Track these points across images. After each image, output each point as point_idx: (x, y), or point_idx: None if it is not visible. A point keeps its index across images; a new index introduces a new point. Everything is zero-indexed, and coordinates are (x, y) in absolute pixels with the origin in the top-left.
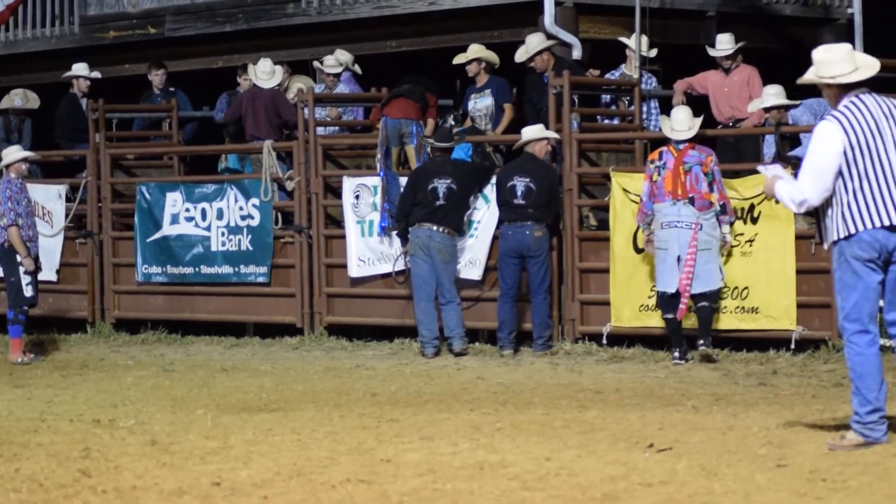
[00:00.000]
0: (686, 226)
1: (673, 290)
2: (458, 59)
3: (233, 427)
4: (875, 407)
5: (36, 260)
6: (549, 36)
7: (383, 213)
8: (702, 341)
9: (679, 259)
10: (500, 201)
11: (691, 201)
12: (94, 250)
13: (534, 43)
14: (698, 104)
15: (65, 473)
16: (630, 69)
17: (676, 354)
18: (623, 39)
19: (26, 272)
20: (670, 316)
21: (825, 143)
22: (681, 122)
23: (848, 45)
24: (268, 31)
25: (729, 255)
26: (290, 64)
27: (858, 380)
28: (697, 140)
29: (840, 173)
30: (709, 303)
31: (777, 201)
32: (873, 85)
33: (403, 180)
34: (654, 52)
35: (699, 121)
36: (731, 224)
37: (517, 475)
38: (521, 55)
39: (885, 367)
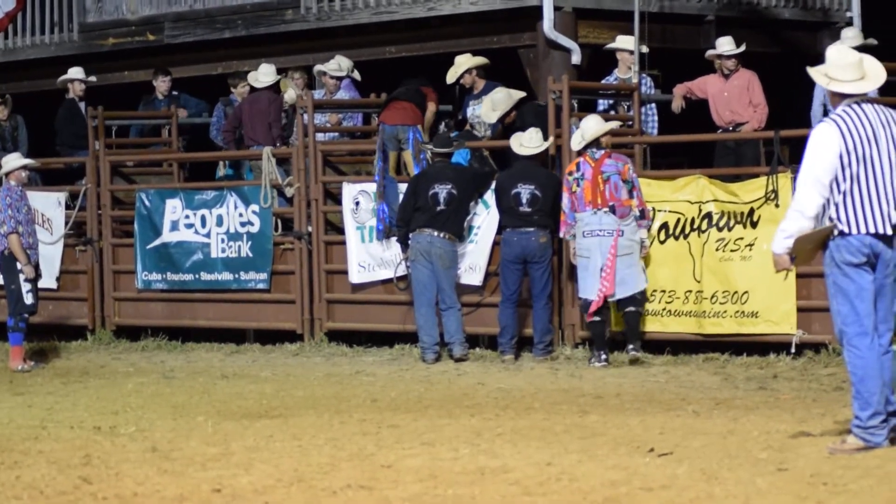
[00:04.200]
0: (608, 234)
1: (594, 298)
2: (450, 78)
3: (234, 433)
4: (876, 411)
5: (36, 267)
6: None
7: (379, 216)
8: (631, 346)
9: (602, 267)
10: (502, 208)
11: (612, 210)
12: (94, 257)
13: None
14: (698, 108)
15: (66, 481)
16: (623, 72)
17: (604, 356)
18: (611, 45)
19: (26, 280)
20: (596, 319)
21: (823, 149)
22: (580, 132)
23: (858, 54)
24: (267, 37)
25: (728, 259)
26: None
27: (859, 383)
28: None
29: (834, 177)
30: (636, 307)
31: (793, 259)
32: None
33: (402, 186)
34: (645, 49)
35: (610, 126)
36: (648, 229)
37: (518, 480)
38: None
39: None
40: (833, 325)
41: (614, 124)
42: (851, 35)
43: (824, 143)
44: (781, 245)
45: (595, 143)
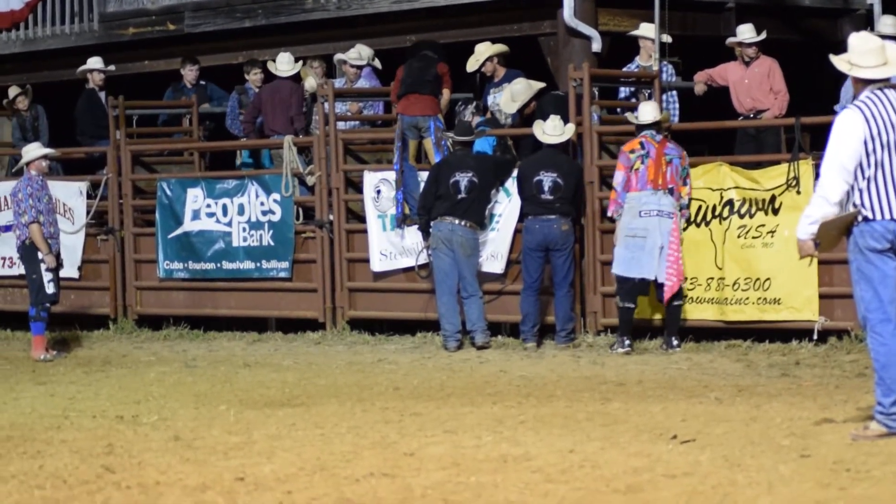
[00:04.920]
0: (667, 215)
1: (653, 277)
2: (471, 66)
3: (256, 422)
4: None
5: (57, 257)
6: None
7: (398, 203)
8: (675, 342)
9: (662, 248)
10: (524, 195)
11: (670, 192)
12: (116, 247)
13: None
14: (719, 96)
15: (88, 469)
16: (644, 60)
17: (627, 342)
18: (634, 32)
19: (48, 269)
20: (630, 306)
21: (847, 135)
22: (644, 113)
23: (880, 40)
24: (287, 26)
25: (750, 246)
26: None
27: (882, 370)
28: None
29: (859, 163)
30: (681, 301)
31: (817, 245)
32: None
33: (422, 174)
34: (668, 38)
35: (667, 114)
36: (687, 220)
37: (540, 468)
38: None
39: None
40: (856, 312)
41: (667, 113)
42: (890, 23)
43: (849, 129)
44: (806, 231)
45: (656, 126)
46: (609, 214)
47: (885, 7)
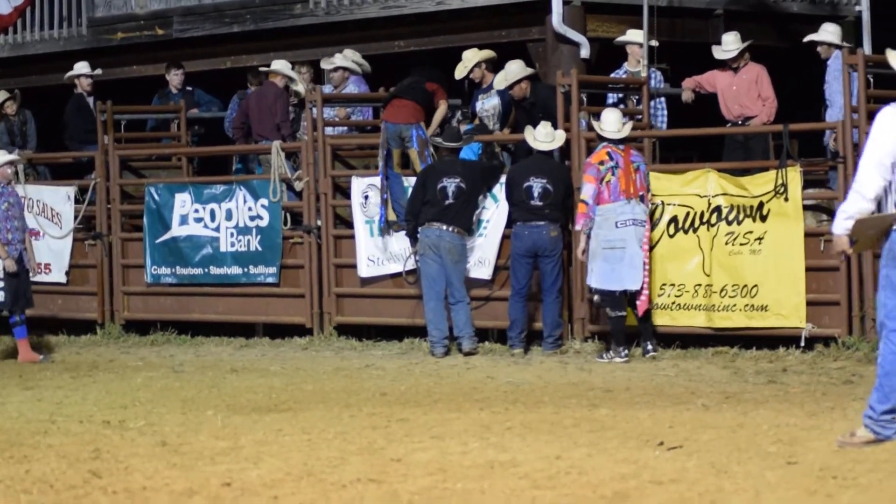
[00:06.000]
0: (641, 223)
1: (636, 287)
2: (459, 73)
3: (243, 427)
4: (892, 407)
5: (19, 262)
6: (529, 64)
7: (381, 208)
8: (650, 346)
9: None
10: (513, 201)
11: (640, 199)
12: (104, 252)
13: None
14: (707, 102)
15: (75, 474)
16: (632, 65)
17: (625, 352)
18: (621, 38)
19: (4, 275)
20: (622, 314)
21: (886, 132)
22: (612, 123)
23: None
24: (275, 31)
25: (738, 253)
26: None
27: (884, 377)
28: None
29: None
30: (650, 305)
31: (853, 243)
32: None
33: (408, 180)
34: (655, 43)
35: (629, 124)
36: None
37: (527, 474)
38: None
39: None
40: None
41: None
42: (831, 30)
43: (888, 125)
44: (841, 226)
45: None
46: (578, 228)
47: (872, 14)
